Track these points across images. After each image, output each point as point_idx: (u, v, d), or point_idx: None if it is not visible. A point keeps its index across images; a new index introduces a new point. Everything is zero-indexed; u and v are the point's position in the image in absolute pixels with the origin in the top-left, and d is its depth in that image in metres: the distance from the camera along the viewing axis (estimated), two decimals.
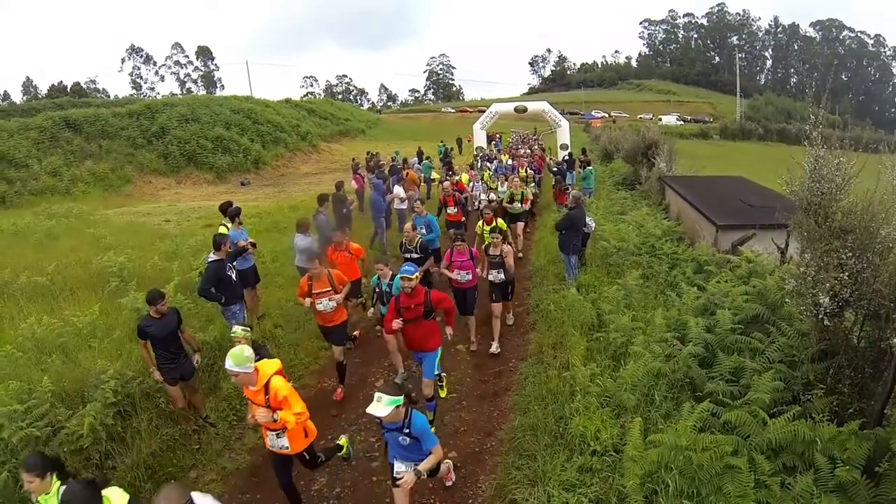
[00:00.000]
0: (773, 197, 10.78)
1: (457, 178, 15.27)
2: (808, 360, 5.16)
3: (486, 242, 8.30)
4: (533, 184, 16.56)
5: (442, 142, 32.83)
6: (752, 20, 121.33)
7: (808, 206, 4.97)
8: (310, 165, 34.62)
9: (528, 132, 44.19)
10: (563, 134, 26.94)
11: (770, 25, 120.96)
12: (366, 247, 12.16)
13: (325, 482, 5.48)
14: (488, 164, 20.23)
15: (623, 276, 8.71)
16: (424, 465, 4.05)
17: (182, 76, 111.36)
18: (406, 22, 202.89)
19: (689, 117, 78.54)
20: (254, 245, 8.36)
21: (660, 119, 66.87)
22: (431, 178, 19.76)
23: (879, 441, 4.07)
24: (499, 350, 8.00)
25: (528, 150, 26.32)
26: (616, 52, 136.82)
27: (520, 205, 12.40)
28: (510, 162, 19.91)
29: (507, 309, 8.87)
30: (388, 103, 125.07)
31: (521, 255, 12.29)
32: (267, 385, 4.33)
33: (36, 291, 8.98)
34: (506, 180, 14.81)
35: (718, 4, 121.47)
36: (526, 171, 16.84)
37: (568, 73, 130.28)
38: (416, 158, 23.96)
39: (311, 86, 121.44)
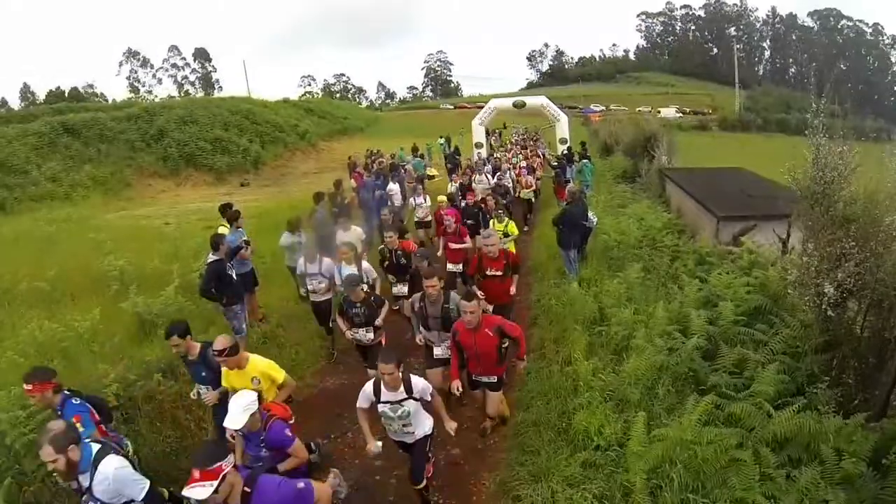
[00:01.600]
0: (774, 188, 10.75)
1: (427, 203, 12.49)
2: (812, 351, 5.15)
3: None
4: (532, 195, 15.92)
5: (442, 137, 32.41)
6: (750, 11, 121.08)
7: (810, 196, 4.95)
8: (309, 164, 34.56)
9: (528, 127, 43.98)
10: (563, 128, 26.81)
11: (768, 16, 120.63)
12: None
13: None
14: (486, 176, 15.65)
15: (624, 270, 8.69)
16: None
17: (180, 78, 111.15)
18: (403, 19, 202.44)
19: (687, 109, 78.30)
20: (248, 243, 8.33)
21: (658, 112, 66.70)
22: (429, 175, 19.55)
23: (886, 433, 4.06)
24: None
25: (523, 152, 26.10)
26: (614, 45, 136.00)
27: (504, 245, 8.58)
28: (507, 171, 17.05)
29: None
30: (387, 101, 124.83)
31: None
32: None
33: (37, 297, 8.95)
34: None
35: None
36: (524, 181, 16.02)
37: (566, 67, 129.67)
38: (411, 155, 23.77)
39: (309, 85, 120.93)
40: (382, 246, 8.19)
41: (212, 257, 7.26)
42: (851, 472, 3.86)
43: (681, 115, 73.07)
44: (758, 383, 4.85)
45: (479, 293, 6.13)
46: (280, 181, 29.35)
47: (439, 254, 9.30)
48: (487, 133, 30.67)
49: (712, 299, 6.90)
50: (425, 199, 12.63)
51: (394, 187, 13.47)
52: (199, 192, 27.16)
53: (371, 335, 6.25)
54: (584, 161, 17.68)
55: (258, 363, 4.74)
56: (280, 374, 4.79)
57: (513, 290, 6.85)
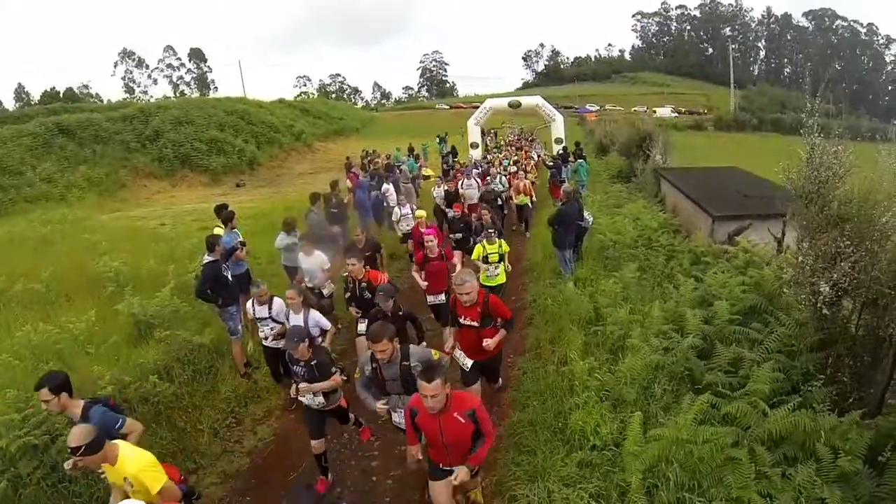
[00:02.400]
0: (769, 187, 10.80)
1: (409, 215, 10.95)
2: (807, 349, 5.17)
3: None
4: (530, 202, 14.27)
5: (439, 136, 32.35)
6: (745, 11, 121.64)
7: (805, 195, 4.97)
8: (305, 165, 34.49)
9: (523, 127, 43.88)
10: (558, 128, 26.88)
11: (763, 16, 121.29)
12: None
13: None
14: (475, 180, 14.17)
15: (620, 270, 8.72)
16: None
17: (175, 79, 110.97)
18: (399, 20, 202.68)
19: (683, 109, 78.54)
20: (243, 244, 8.34)
21: (654, 112, 66.84)
22: (424, 175, 19.49)
23: (881, 430, 4.08)
24: None
25: (518, 153, 25.99)
26: (609, 45, 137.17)
27: (497, 270, 7.83)
28: (497, 174, 15.27)
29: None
30: (382, 101, 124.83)
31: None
32: None
33: (32, 299, 8.93)
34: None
35: None
36: (522, 185, 14.08)
37: (561, 67, 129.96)
38: (407, 156, 23.77)
39: (305, 85, 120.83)
40: (346, 273, 6.85)
41: (207, 258, 7.24)
42: (847, 469, 3.87)
43: (676, 114, 73.27)
44: (753, 382, 4.86)
45: (451, 345, 5.48)
46: (275, 182, 29.29)
47: (423, 282, 7.68)
48: (483, 133, 30.74)
49: (708, 298, 6.92)
50: (411, 211, 11.20)
51: (388, 188, 13.47)
52: (195, 192, 27.07)
53: (321, 399, 5.03)
54: (580, 161, 17.72)
55: (130, 463, 3.56)
56: (157, 483, 3.58)
57: (487, 342, 5.16)
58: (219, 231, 8.43)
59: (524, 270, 11.25)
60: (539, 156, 24.37)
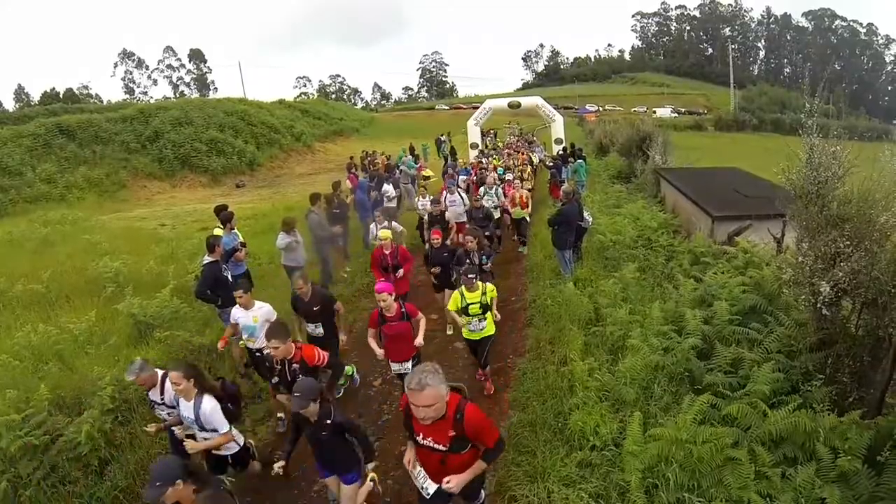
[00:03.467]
0: (768, 187, 10.80)
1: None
2: (807, 349, 5.16)
3: None
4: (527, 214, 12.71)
5: (443, 135, 32.31)
6: (745, 11, 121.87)
7: (805, 195, 4.97)
8: (304, 166, 34.49)
9: (522, 128, 43.81)
10: (558, 129, 26.87)
11: (762, 16, 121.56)
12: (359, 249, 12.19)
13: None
14: (460, 195, 11.84)
15: (620, 270, 8.71)
16: None
17: (175, 79, 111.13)
18: (399, 20, 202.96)
19: (682, 109, 78.59)
20: (244, 245, 8.35)
21: (654, 112, 66.86)
22: (424, 176, 19.46)
23: (881, 430, 4.08)
24: None
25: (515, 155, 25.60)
26: (609, 45, 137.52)
27: (482, 323, 6.34)
28: (493, 186, 12.65)
29: None
30: (382, 102, 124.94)
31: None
32: None
33: (32, 299, 8.94)
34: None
35: None
36: (520, 196, 12.49)
37: (561, 67, 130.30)
38: (409, 156, 23.76)
39: (305, 86, 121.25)
40: (268, 351, 5.15)
41: (207, 259, 7.25)
42: (847, 469, 3.87)
43: (676, 114, 73.32)
44: (753, 382, 4.86)
45: (408, 459, 3.64)
46: (275, 183, 29.30)
47: (379, 355, 5.82)
48: (483, 133, 30.74)
49: (707, 299, 6.91)
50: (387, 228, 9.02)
51: (388, 188, 13.48)
52: (195, 193, 27.08)
53: None
54: (580, 161, 17.74)
55: None
56: None
57: (449, 483, 3.35)
58: (219, 232, 8.43)
59: (524, 270, 11.25)
60: (540, 159, 24.14)
